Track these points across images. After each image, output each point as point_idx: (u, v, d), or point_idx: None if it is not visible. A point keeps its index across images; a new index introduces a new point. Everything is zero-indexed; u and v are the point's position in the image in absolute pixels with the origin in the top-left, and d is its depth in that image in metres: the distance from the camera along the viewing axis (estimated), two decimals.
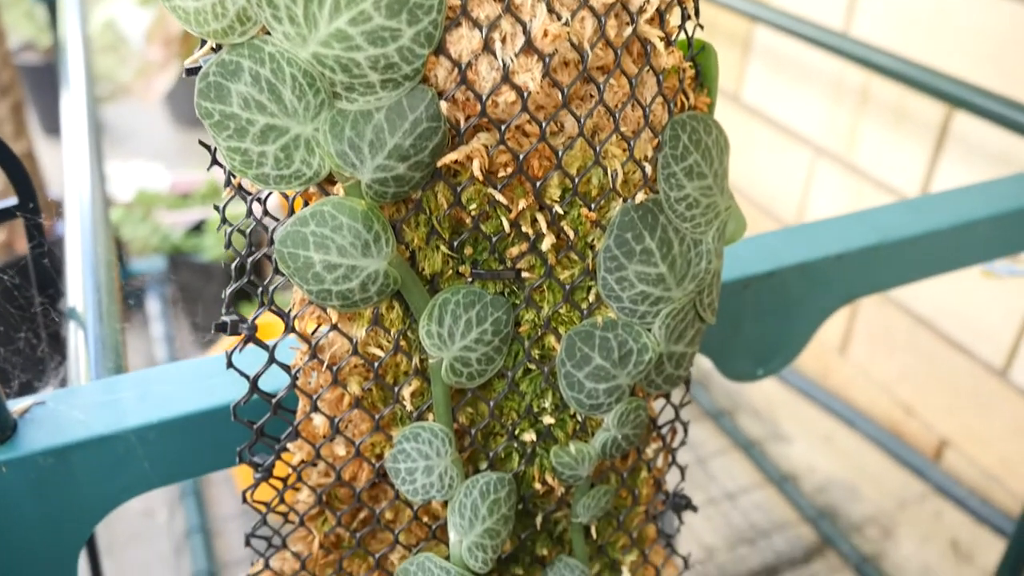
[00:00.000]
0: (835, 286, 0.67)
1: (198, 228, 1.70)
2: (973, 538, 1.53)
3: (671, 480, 0.57)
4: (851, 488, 1.65)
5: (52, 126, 2.89)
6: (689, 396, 0.56)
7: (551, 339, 0.48)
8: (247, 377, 0.45)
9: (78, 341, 0.57)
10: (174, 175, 1.91)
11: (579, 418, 0.50)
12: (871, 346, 1.73)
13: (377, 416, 0.47)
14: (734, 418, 1.80)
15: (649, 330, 0.48)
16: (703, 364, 1.97)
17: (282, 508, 0.51)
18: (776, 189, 1.91)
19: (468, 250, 0.45)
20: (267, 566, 0.51)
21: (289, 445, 0.49)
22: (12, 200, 0.50)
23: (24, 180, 0.47)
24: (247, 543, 0.51)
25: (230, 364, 0.45)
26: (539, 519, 0.52)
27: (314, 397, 0.46)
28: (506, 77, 0.40)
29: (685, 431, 0.56)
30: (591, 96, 0.43)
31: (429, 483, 0.47)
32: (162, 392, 0.50)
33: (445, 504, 0.50)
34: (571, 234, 0.46)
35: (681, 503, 0.57)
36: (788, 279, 0.64)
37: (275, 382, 0.47)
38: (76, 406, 0.49)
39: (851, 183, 1.70)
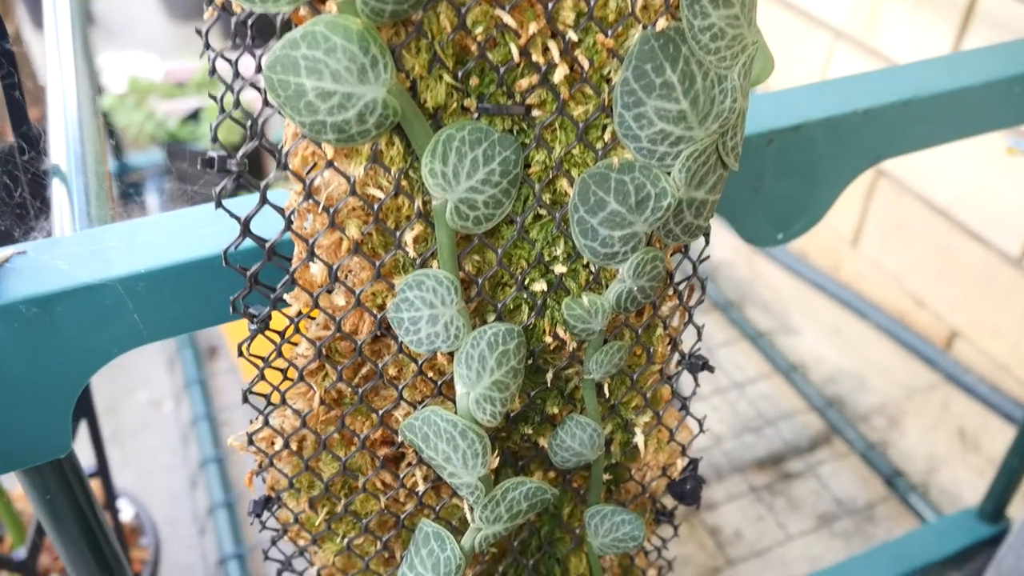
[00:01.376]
0: (862, 144, 0.63)
1: (194, 116, 1.65)
2: (980, 427, 1.53)
3: (687, 341, 0.54)
4: (859, 379, 1.64)
5: (42, 21, 2.80)
6: (708, 252, 0.53)
7: (563, 182, 0.45)
8: (238, 219, 0.42)
9: (62, 198, 0.54)
10: (168, 64, 1.84)
11: (592, 268, 0.47)
12: (883, 238, 1.69)
13: (378, 263, 0.44)
14: (742, 310, 1.78)
15: (668, 173, 0.45)
16: (709, 258, 1.94)
17: (280, 363, 0.49)
18: (792, 76, 1.85)
19: (474, 81, 0.42)
20: (267, 424, 0.49)
21: (286, 296, 0.46)
22: None
23: None
24: (245, 399, 0.49)
25: (219, 204, 0.42)
26: (549, 376, 0.49)
27: (311, 241, 0.43)
28: None
29: (703, 288, 0.53)
30: None
31: (434, 333, 0.44)
32: (150, 242, 0.48)
33: (451, 359, 0.47)
34: (586, 64, 0.42)
35: (697, 363, 0.54)
36: (813, 134, 0.60)
37: (270, 229, 0.44)
38: (60, 256, 0.46)
39: (871, 68, 1.64)
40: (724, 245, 1.92)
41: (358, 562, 0.55)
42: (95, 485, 0.96)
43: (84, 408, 0.77)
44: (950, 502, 1.44)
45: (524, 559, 0.57)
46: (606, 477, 0.56)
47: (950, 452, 1.51)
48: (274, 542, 0.56)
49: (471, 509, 0.47)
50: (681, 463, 0.57)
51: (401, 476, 0.51)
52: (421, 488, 0.51)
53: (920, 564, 1.21)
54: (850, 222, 1.75)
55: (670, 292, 0.52)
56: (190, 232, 0.49)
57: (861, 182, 1.70)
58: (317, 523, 0.52)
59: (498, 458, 0.52)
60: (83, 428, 0.86)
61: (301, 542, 0.55)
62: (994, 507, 1.26)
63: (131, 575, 0.63)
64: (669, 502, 0.61)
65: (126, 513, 1.20)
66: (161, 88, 1.68)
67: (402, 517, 0.52)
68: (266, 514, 0.55)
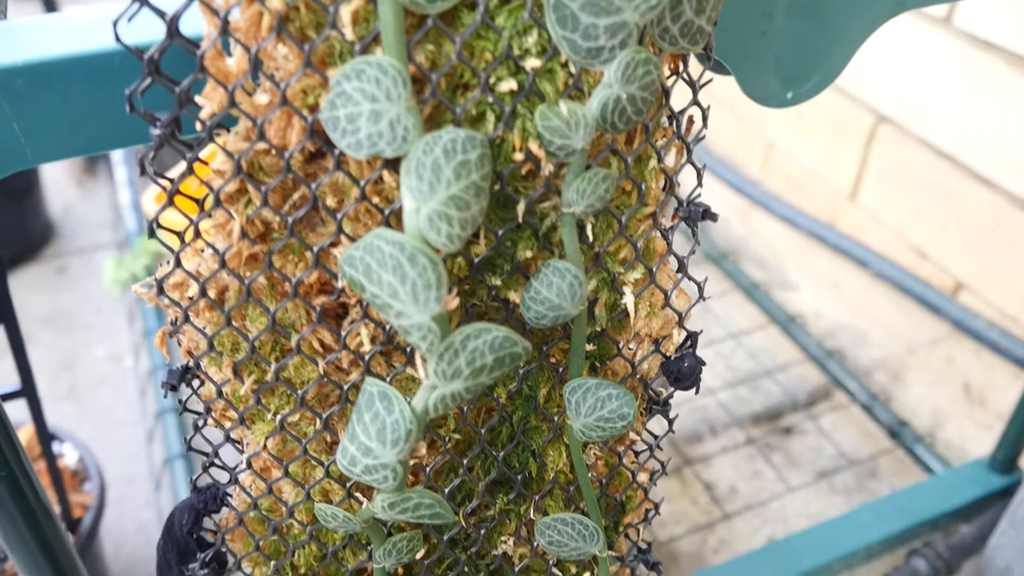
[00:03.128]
0: None
1: None
2: (986, 382, 1.45)
3: (684, 186, 0.46)
4: (858, 333, 1.56)
5: None
6: (710, 74, 0.45)
7: None
8: None
9: None
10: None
11: (572, 70, 0.39)
12: (884, 188, 1.62)
13: (307, 47, 0.35)
14: (737, 262, 1.70)
15: None
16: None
17: (193, 190, 0.40)
18: None
19: None
20: (179, 265, 0.41)
21: (197, 98, 0.38)
22: None
23: None
24: (151, 235, 0.40)
25: None
26: (521, 208, 0.41)
27: (223, 15, 0.35)
28: None
29: (704, 121, 0.45)
30: None
31: (376, 132, 0.36)
32: (38, 35, 0.39)
33: (400, 183, 0.39)
34: None
35: (697, 212, 0.46)
36: None
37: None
38: None
39: None
40: (716, 199, 1.84)
41: (295, 446, 0.46)
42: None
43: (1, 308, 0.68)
44: (957, 457, 1.36)
45: (494, 451, 0.49)
46: (589, 348, 0.47)
47: (955, 407, 1.43)
48: (198, 428, 0.48)
49: (424, 361, 0.39)
50: (678, 336, 0.49)
51: (343, 335, 0.42)
52: (367, 350, 0.43)
53: (929, 516, 1.14)
54: (848, 174, 1.68)
55: (665, 123, 0.44)
56: (88, 28, 0.40)
57: (860, 130, 1.62)
58: (243, 393, 0.44)
59: (461, 315, 0.44)
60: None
61: (228, 424, 0.46)
62: (1006, 457, 1.19)
63: (59, 521, 0.55)
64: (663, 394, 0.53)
65: (70, 457, 1.11)
66: None
67: (346, 388, 0.44)
68: (186, 391, 0.46)
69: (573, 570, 0.55)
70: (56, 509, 0.98)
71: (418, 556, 0.50)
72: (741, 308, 1.59)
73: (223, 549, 0.51)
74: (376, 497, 0.42)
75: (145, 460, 1.31)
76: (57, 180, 2.00)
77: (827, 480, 1.32)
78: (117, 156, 1.82)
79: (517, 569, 0.53)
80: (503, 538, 0.52)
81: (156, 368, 1.36)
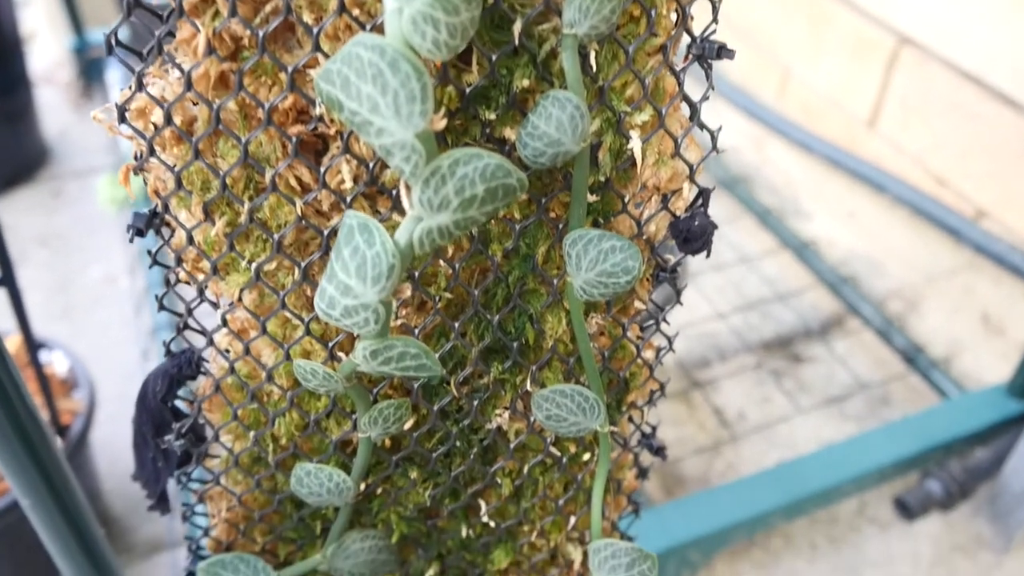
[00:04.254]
0: None
1: None
2: (1005, 311, 1.41)
3: (698, 22, 0.42)
4: (874, 262, 1.52)
5: None
6: None
7: None
8: None
9: None
10: None
11: None
12: (904, 114, 1.56)
13: None
14: (750, 189, 1.64)
15: None
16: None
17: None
18: None
19: None
20: (141, 88, 0.37)
21: None
22: None
23: None
24: (109, 51, 0.36)
25: None
26: (517, 28, 0.37)
27: None
28: None
29: None
30: None
31: None
32: None
33: None
34: None
35: (712, 49, 0.42)
36: None
37: None
38: None
39: None
40: (728, 128, 1.79)
41: (272, 301, 0.43)
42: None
43: None
44: (973, 387, 1.33)
45: (488, 314, 0.45)
46: (592, 200, 0.44)
47: (973, 336, 1.39)
48: (170, 284, 0.44)
49: (408, 189, 0.35)
50: (688, 193, 0.45)
51: (323, 171, 0.39)
52: (348, 188, 0.39)
53: (944, 440, 1.11)
54: (867, 100, 1.62)
55: None
56: None
57: (881, 53, 1.56)
58: (214, 236, 0.41)
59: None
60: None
61: (200, 276, 0.43)
62: None
63: (44, 422, 0.52)
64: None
65: (60, 366, 1.08)
66: None
67: (326, 234, 0.40)
68: (156, 241, 0.43)
69: (572, 449, 0.52)
70: (45, 416, 0.96)
71: (406, 427, 0.47)
72: (753, 234, 1.55)
73: (200, 420, 0.48)
74: (357, 346, 0.38)
75: (140, 378, 1.28)
76: (52, 103, 1.96)
77: (838, 406, 1.29)
78: (113, 78, 1.77)
79: (512, 446, 0.50)
80: (497, 411, 0.49)
81: (151, 286, 1.33)
